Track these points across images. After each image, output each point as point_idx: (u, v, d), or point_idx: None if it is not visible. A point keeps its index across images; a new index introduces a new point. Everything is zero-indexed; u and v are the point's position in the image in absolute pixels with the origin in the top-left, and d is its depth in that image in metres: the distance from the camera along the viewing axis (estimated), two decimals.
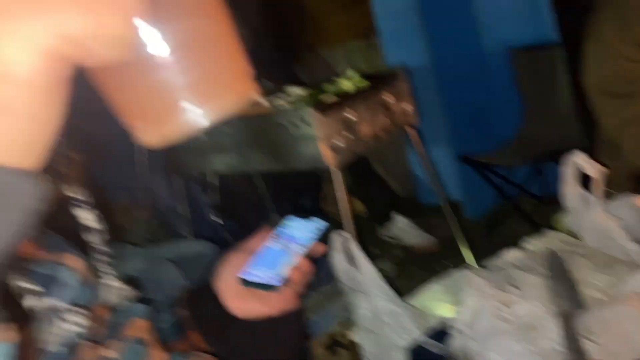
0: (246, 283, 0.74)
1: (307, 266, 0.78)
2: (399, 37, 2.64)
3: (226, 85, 0.32)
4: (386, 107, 1.74)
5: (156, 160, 2.51)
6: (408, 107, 1.81)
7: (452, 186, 2.52)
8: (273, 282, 0.73)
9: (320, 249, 0.82)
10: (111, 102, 0.28)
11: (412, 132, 1.91)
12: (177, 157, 2.21)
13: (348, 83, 1.76)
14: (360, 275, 1.51)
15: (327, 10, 3.20)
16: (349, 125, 1.62)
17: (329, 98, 1.68)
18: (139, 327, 0.71)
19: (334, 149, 1.58)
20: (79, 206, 0.77)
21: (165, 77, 0.29)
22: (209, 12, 0.32)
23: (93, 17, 0.21)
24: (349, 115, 1.61)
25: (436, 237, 2.38)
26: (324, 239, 0.83)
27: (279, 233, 0.81)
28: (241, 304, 0.78)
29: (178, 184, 2.49)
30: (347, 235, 1.54)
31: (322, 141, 1.55)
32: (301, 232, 0.82)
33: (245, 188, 2.80)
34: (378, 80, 1.80)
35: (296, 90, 1.92)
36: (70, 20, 0.20)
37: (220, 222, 2.82)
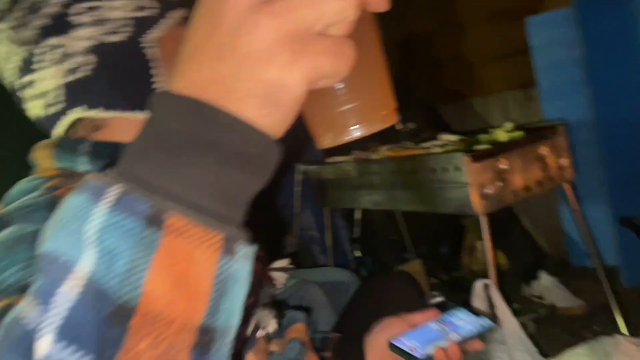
0: (394, 348, 0.81)
1: (457, 355, 0.81)
2: (560, 90, 2.57)
3: (378, 108, 0.42)
4: (541, 161, 1.72)
5: (308, 192, 2.70)
6: (565, 162, 1.76)
7: (608, 249, 2.35)
8: (419, 356, 0.78)
9: (477, 346, 0.85)
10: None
11: (567, 188, 1.85)
12: (328, 191, 2.36)
13: (503, 133, 1.77)
14: (500, 325, 1.49)
15: (482, 59, 3.22)
16: (500, 175, 1.63)
17: (482, 146, 1.70)
18: (299, 330, 0.81)
19: (483, 196, 1.59)
20: None
21: (336, 95, 0.40)
22: (374, 40, 0.42)
23: (337, 64, 0.34)
24: (502, 164, 1.62)
25: (585, 301, 2.23)
26: (483, 337, 0.86)
27: (444, 318, 0.87)
28: None
29: (325, 216, 2.64)
30: (490, 282, 1.53)
31: (472, 188, 1.58)
32: (465, 323, 0.86)
33: (386, 226, 2.87)
34: (535, 132, 1.79)
35: (448, 137, 1.97)
36: (327, 66, 0.33)
37: (359, 255, 2.91)
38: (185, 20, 0.74)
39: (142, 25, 0.71)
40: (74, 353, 0.30)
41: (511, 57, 3.06)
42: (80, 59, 0.68)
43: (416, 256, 2.86)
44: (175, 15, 0.74)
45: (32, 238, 0.54)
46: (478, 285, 1.57)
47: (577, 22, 2.32)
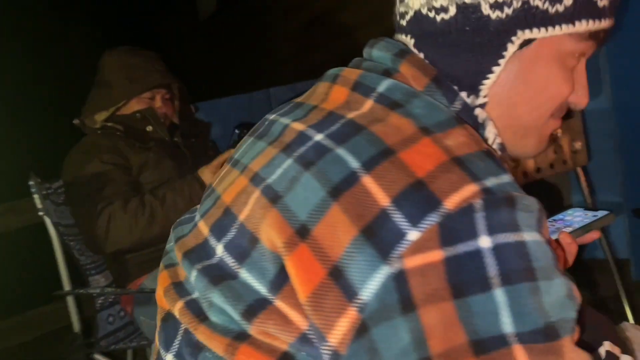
0: None
1: (568, 244, 0.76)
2: None
3: None
4: (555, 142, 1.66)
5: None
6: (579, 145, 1.71)
7: (620, 242, 2.29)
8: None
9: (594, 235, 0.80)
10: None
11: (580, 173, 1.79)
12: None
13: None
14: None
15: None
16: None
17: None
18: None
19: None
20: None
21: None
22: None
23: None
24: None
25: (595, 294, 2.18)
26: (601, 226, 0.82)
27: (556, 218, 0.83)
28: None
29: None
30: None
31: None
32: (578, 218, 0.82)
33: None
34: None
35: None
36: None
37: None
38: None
39: (534, 18, 0.62)
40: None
41: None
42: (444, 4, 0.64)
43: None
44: (581, 28, 0.64)
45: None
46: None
47: None
